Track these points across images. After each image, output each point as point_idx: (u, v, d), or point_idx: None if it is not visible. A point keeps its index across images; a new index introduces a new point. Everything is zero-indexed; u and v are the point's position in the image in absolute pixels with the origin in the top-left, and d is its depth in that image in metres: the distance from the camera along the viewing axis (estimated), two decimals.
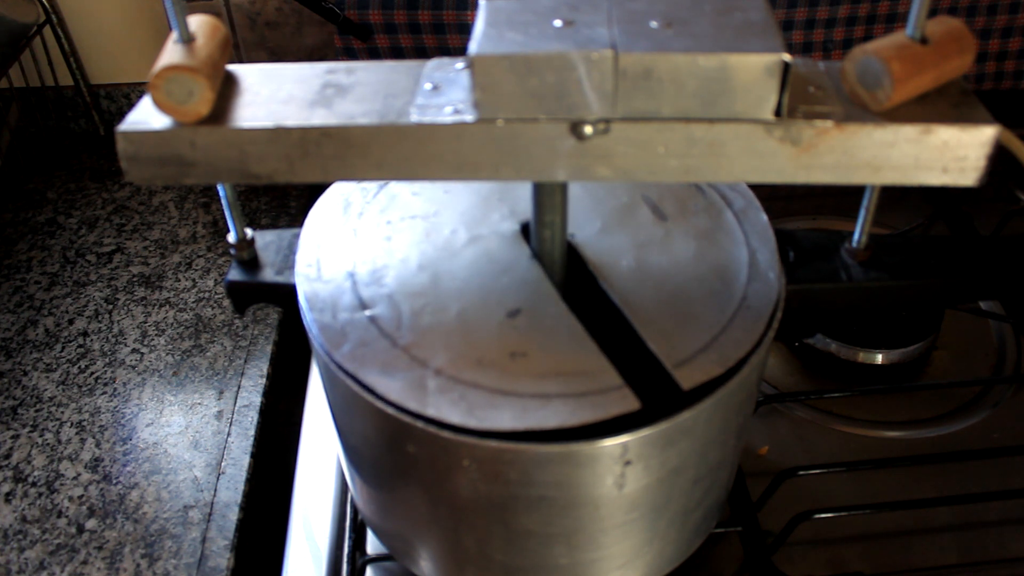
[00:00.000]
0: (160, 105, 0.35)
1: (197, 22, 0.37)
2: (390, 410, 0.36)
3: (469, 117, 0.34)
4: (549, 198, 0.39)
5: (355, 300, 0.41)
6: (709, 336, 0.38)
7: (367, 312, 0.40)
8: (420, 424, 0.36)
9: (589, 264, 0.42)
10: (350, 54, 0.77)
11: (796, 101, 0.33)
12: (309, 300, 0.41)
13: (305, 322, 0.40)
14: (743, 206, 0.45)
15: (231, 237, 0.44)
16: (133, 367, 0.65)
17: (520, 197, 0.45)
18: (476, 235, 0.43)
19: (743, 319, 0.39)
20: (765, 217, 0.44)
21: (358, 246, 0.43)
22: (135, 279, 0.72)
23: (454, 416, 0.35)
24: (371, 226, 0.44)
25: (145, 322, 0.68)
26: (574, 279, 0.42)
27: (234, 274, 0.44)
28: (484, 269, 0.42)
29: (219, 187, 0.42)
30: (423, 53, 0.77)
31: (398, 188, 0.47)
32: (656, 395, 0.36)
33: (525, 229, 0.44)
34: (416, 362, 0.38)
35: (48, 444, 0.59)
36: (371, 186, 0.47)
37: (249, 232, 0.45)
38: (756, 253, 0.42)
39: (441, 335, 0.39)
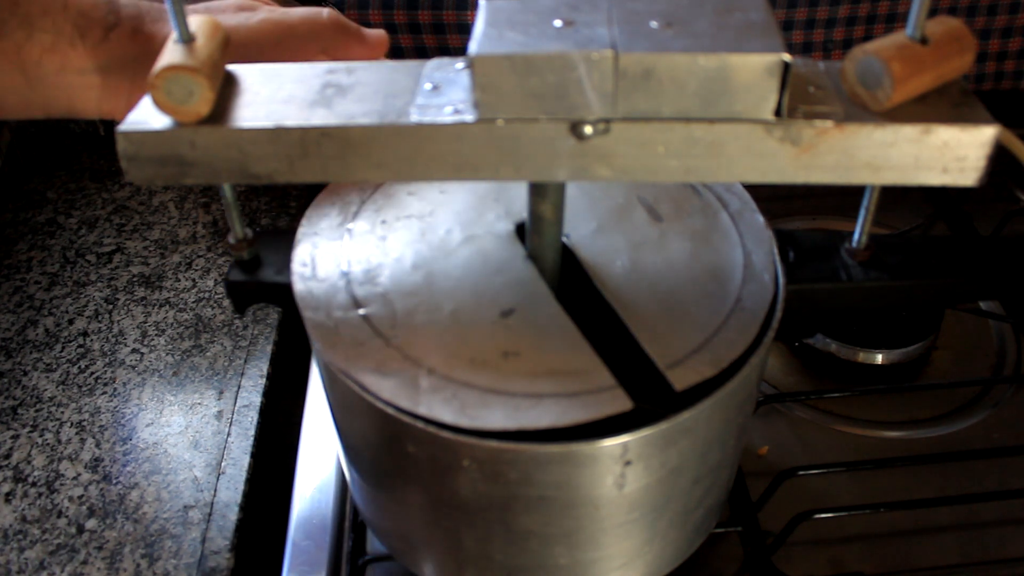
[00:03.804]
0: (160, 105, 0.35)
1: (197, 22, 0.37)
2: (390, 410, 0.36)
3: (469, 117, 0.34)
4: (545, 199, 0.39)
5: (349, 299, 0.41)
6: (703, 337, 0.38)
7: (361, 311, 0.40)
8: (420, 424, 0.36)
9: (584, 264, 0.42)
10: None
11: (796, 101, 0.33)
12: (303, 299, 0.41)
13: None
14: (739, 207, 0.45)
15: (231, 237, 0.44)
16: (133, 367, 0.65)
17: (516, 197, 0.45)
18: (471, 235, 0.43)
19: (737, 320, 0.39)
20: (761, 218, 0.44)
21: (353, 245, 0.43)
22: (135, 279, 0.72)
23: (446, 415, 0.35)
24: (366, 225, 0.44)
25: (145, 322, 0.68)
26: (569, 279, 0.42)
27: (234, 274, 0.44)
28: (478, 269, 0.42)
29: (220, 187, 0.42)
30: (423, 53, 0.77)
31: (394, 188, 0.47)
32: (649, 396, 0.36)
33: (520, 229, 0.44)
34: (409, 361, 0.38)
35: (48, 444, 0.59)
36: (367, 186, 0.47)
37: (249, 232, 0.45)
38: (751, 255, 0.42)
39: (434, 334, 0.39)
